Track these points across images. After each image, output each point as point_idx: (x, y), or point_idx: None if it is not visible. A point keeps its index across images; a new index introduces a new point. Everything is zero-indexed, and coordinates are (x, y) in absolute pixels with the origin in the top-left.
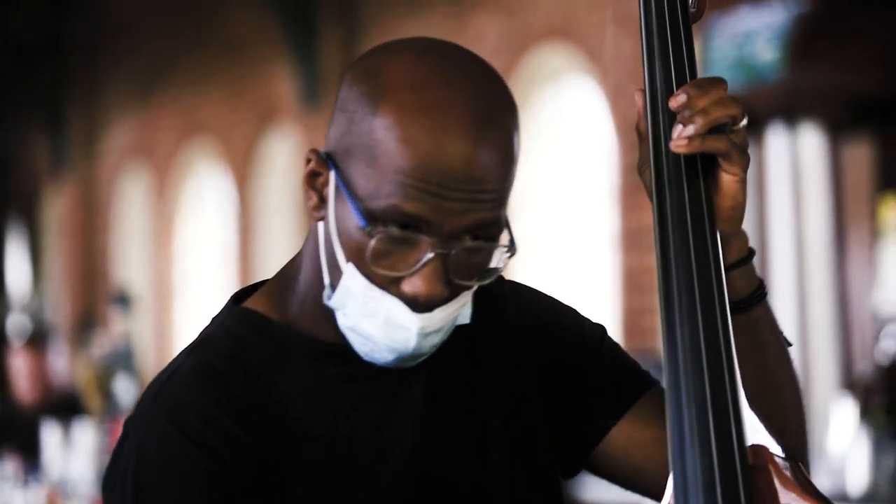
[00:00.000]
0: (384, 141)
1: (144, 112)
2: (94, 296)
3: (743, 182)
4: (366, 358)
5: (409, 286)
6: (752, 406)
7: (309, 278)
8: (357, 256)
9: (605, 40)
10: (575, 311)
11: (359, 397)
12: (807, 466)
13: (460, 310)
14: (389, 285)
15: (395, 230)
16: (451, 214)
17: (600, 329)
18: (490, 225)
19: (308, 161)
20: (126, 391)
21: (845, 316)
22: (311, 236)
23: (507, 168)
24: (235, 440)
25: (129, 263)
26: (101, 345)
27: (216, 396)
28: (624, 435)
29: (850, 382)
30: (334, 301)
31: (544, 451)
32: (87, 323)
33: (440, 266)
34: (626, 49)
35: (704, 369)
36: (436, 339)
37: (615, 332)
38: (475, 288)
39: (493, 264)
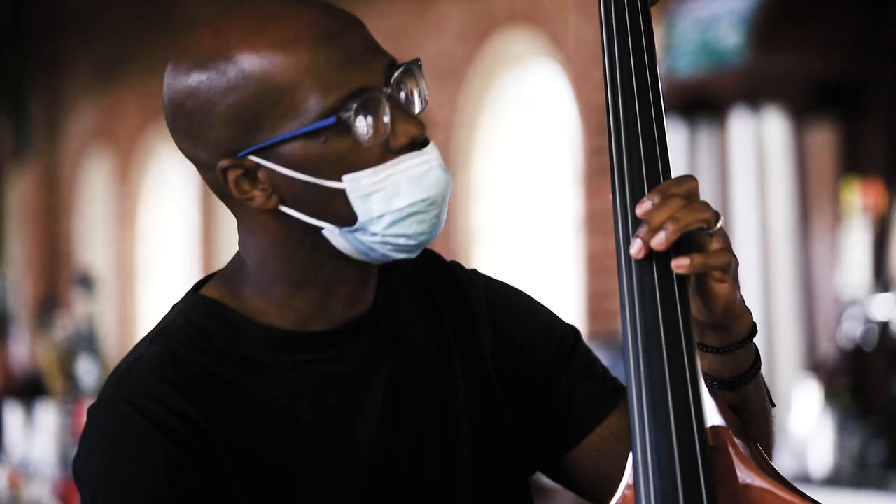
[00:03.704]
0: (270, 73)
1: (107, 95)
2: (57, 278)
3: (733, 283)
4: (419, 240)
5: (403, 137)
6: None
7: (258, 272)
8: (348, 161)
9: (567, 24)
10: (548, 311)
11: (322, 383)
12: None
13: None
14: (386, 157)
15: (356, 105)
16: (368, 64)
17: (573, 333)
18: (394, 61)
19: (225, 175)
20: (88, 373)
21: (809, 298)
22: (252, 233)
23: (356, 17)
24: (198, 427)
25: (92, 246)
26: (64, 327)
27: (178, 383)
28: (595, 447)
29: (814, 364)
30: (361, 218)
31: (511, 443)
32: (49, 305)
33: (403, 105)
34: (588, 33)
35: (664, 351)
36: (447, 179)
37: (578, 315)
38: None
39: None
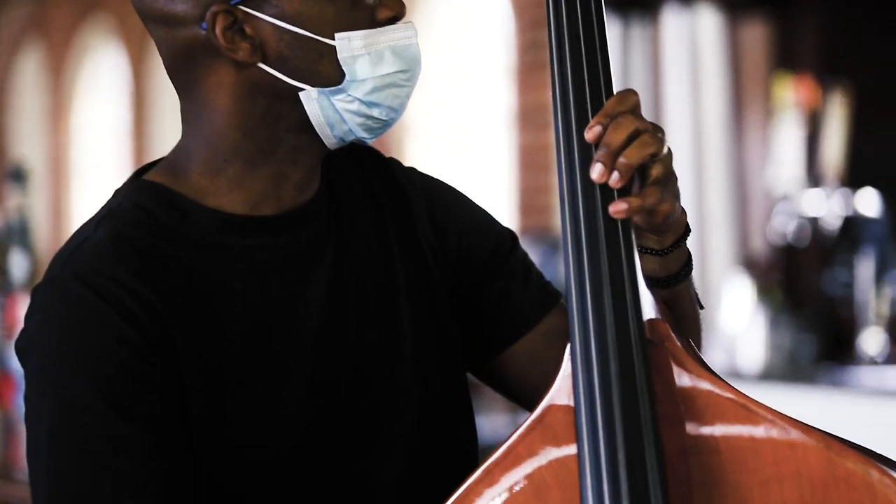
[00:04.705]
0: None
1: None
2: None
3: (674, 199)
4: (389, 116)
5: (388, 11)
6: None
7: (211, 149)
8: (342, 21)
9: None
10: (486, 213)
11: (269, 267)
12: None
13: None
14: (373, 25)
15: None
16: None
17: (511, 236)
18: None
19: (214, 20)
20: (19, 267)
21: (741, 194)
22: (210, 104)
23: None
24: (152, 307)
25: (25, 141)
26: None
27: (131, 263)
28: (526, 351)
29: (746, 260)
30: (347, 78)
31: (450, 338)
32: None
33: None
34: None
35: (602, 242)
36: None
37: (510, 210)
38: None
39: None
